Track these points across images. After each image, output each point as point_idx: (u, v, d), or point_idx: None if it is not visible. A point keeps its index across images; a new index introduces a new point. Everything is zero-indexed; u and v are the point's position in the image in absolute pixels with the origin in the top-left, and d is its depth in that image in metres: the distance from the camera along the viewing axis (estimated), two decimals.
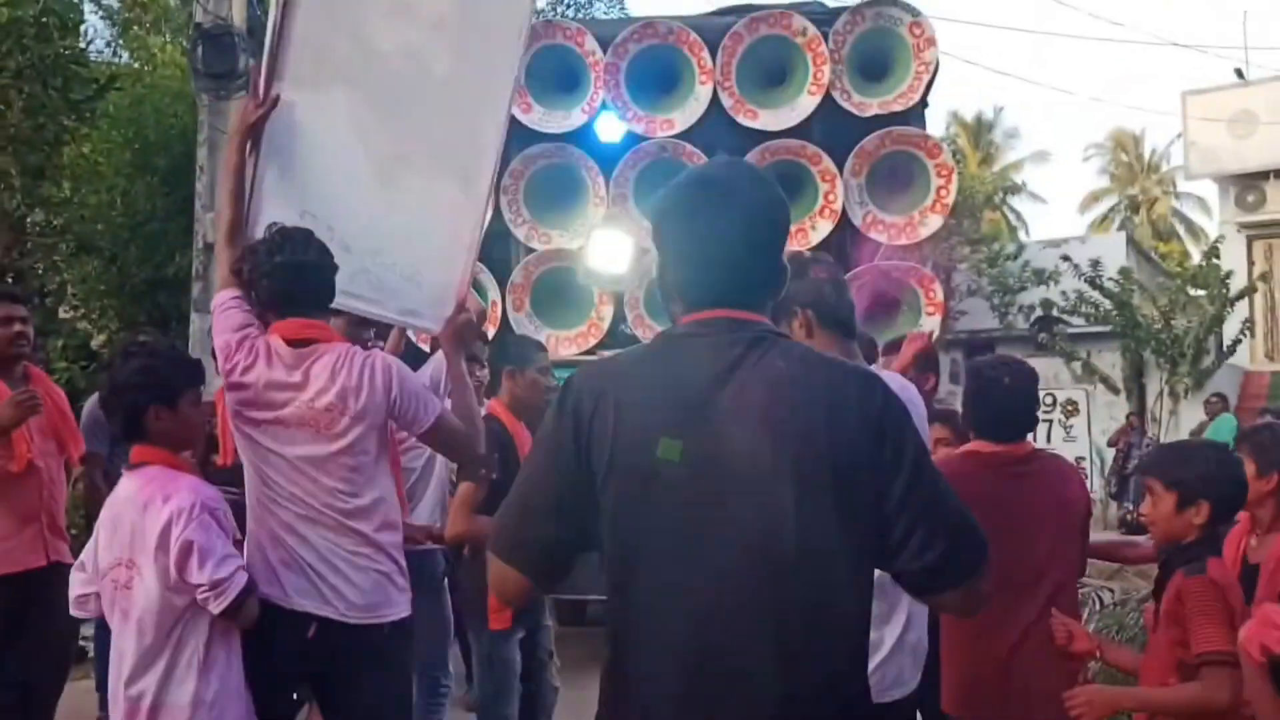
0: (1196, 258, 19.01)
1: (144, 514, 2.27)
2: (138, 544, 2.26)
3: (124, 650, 2.29)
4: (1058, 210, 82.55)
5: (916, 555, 1.42)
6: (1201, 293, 14.71)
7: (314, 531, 2.39)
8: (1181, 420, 13.78)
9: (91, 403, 4.86)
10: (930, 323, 6.55)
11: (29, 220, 8.35)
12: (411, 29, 2.65)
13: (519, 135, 6.72)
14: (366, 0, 2.63)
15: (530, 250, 6.72)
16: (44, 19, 7.76)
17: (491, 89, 2.77)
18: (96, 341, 8.51)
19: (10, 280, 7.77)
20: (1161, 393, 14.13)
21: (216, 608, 2.21)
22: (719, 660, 1.38)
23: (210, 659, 2.27)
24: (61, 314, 8.78)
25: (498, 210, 6.64)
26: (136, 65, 9.96)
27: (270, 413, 2.40)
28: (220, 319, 2.51)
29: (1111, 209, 32.57)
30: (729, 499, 1.39)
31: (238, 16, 6.71)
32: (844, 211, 6.51)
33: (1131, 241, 19.61)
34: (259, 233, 2.56)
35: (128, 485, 2.38)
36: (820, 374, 1.48)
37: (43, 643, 3.59)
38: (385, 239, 2.71)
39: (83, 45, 8.63)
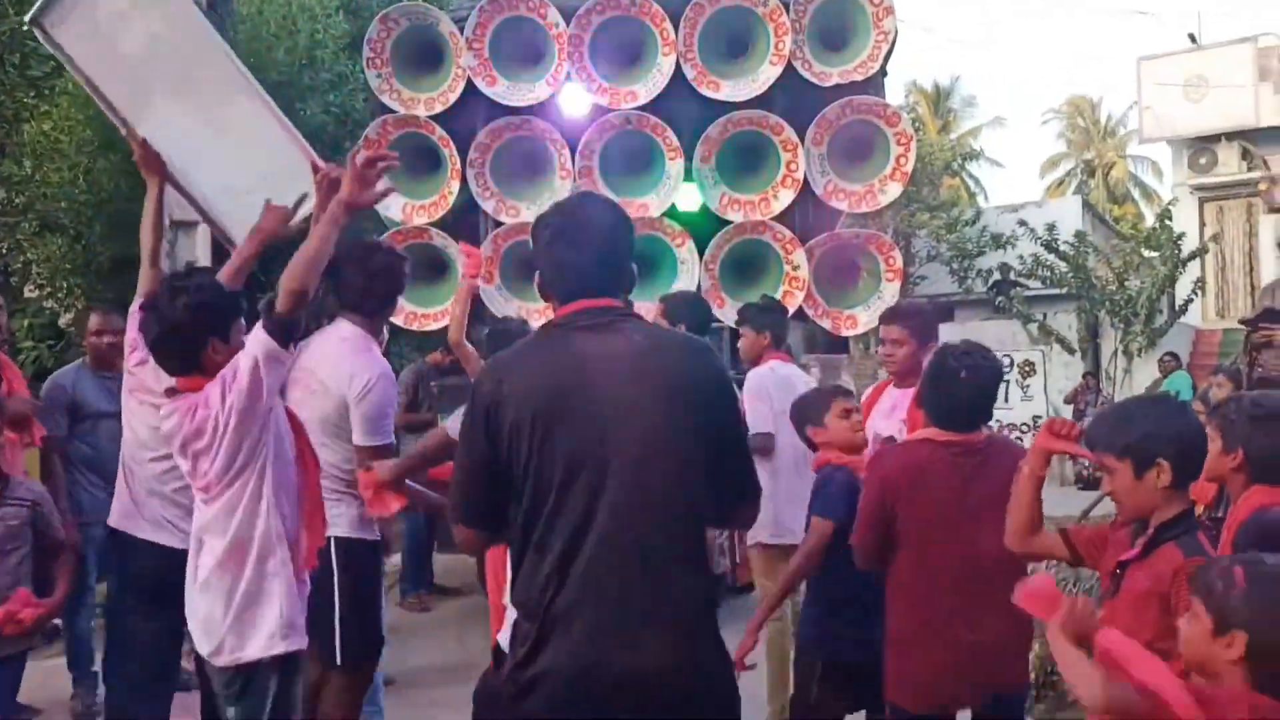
0: (1150, 220, 19.36)
1: (194, 425, 2.49)
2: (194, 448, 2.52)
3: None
4: (1016, 175, 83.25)
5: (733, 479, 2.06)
6: (1154, 254, 15.04)
7: None
8: (1135, 378, 14.16)
9: (50, 382, 4.87)
10: (890, 289, 6.72)
11: None
12: (144, 22, 3.15)
13: (485, 108, 6.78)
14: (101, 21, 3.14)
15: (498, 224, 6.79)
16: None
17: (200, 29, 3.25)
18: (64, 320, 8.46)
19: None
20: (1116, 352, 14.50)
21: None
22: (629, 550, 1.89)
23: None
24: (27, 293, 8.70)
25: (464, 184, 6.71)
26: None
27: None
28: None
29: (1068, 173, 33.00)
30: (608, 431, 1.90)
31: None
32: (805, 180, 6.63)
33: (1087, 205, 19.95)
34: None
35: (174, 408, 2.49)
36: (671, 338, 2.29)
37: None
38: (241, 175, 3.26)
39: None
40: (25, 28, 7.95)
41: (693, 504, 1.95)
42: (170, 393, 2.50)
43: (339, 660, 3.05)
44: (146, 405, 3.16)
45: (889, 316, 4.09)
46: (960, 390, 2.71)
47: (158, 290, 2.52)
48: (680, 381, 1.97)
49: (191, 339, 2.43)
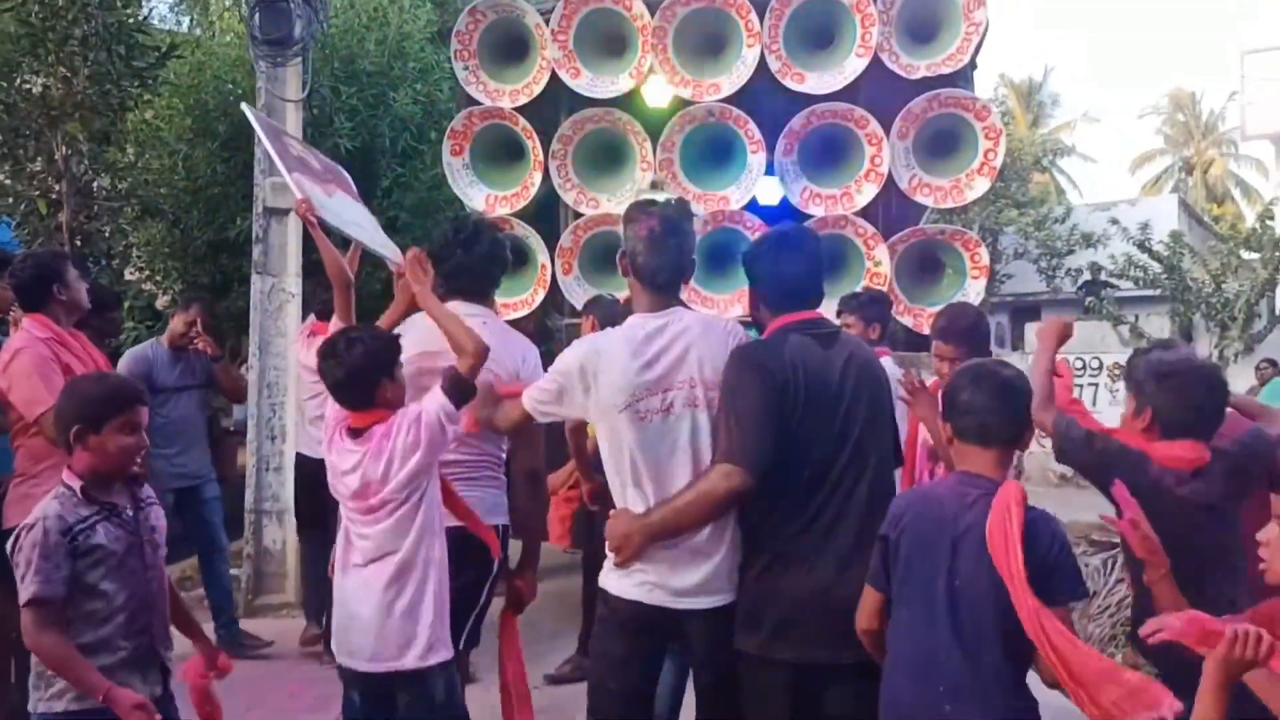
0: (1251, 220, 18.60)
1: (377, 460, 2.81)
2: (375, 478, 2.82)
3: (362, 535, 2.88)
4: (1109, 172, 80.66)
5: None
6: (1254, 256, 14.44)
7: None
8: (1232, 385, 13.59)
9: (130, 357, 5.34)
10: (975, 286, 6.59)
11: (95, 185, 8.63)
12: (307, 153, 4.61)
13: (568, 101, 6.83)
14: (292, 144, 4.59)
15: (578, 215, 6.83)
16: None
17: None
18: (161, 302, 8.80)
19: (78, 243, 8.07)
20: (1210, 356, 13.97)
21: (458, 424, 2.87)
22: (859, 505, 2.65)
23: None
24: (127, 275, 9.08)
25: (546, 175, 6.77)
26: (197, 33, 10.18)
27: None
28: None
29: (1164, 171, 31.86)
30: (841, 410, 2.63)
31: None
32: (890, 175, 6.53)
33: (1183, 204, 19.25)
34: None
35: (358, 447, 2.87)
36: (861, 347, 2.84)
37: None
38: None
39: (145, 13, 8.84)
40: (131, 20, 8.30)
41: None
42: (354, 434, 2.89)
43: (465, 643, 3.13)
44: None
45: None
46: (967, 407, 2.44)
47: (335, 340, 2.91)
48: (876, 381, 2.69)
49: (367, 379, 2.85)
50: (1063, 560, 2.19)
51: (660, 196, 6.46)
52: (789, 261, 2.73)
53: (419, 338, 3.18)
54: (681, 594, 2.60)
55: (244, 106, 4.77)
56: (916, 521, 2.30)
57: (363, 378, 2.85)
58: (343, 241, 3.98)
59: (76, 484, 2.56)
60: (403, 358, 3.12)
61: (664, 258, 2.73)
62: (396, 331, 3.25)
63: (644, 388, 2.63)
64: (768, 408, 2.50)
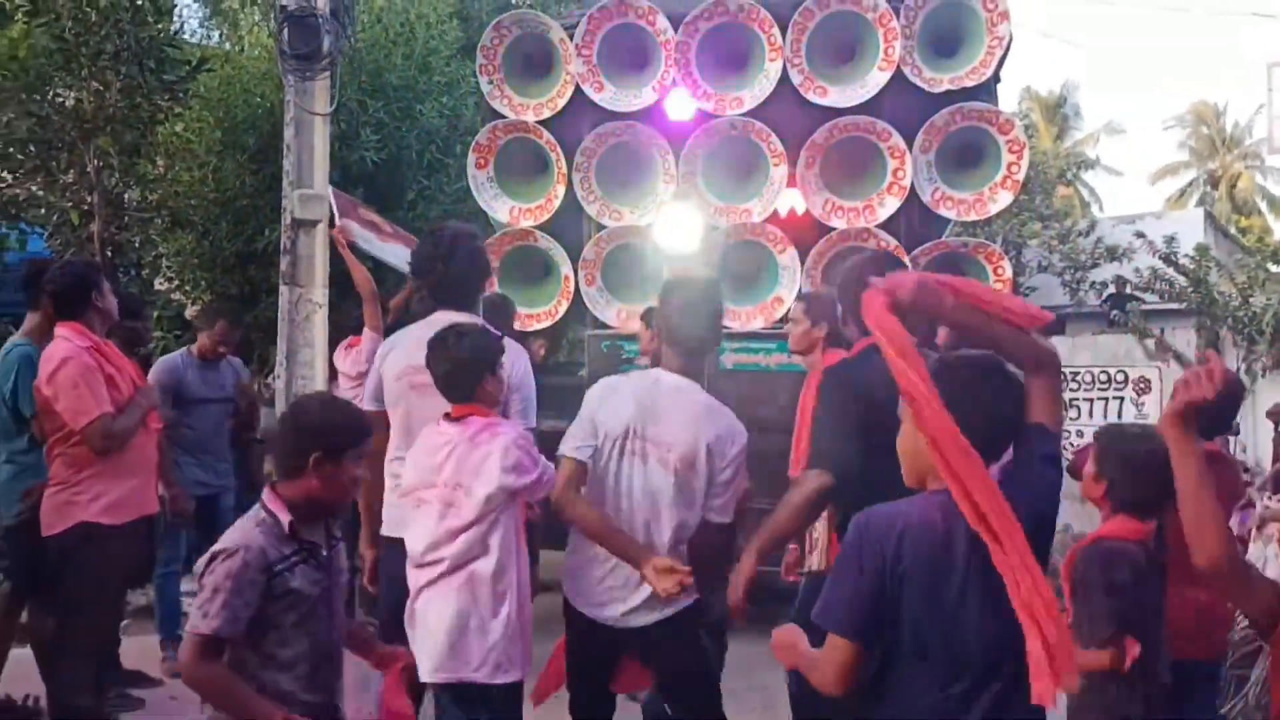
0: (1279, 233, 18.42)
1: (472, 448, 2.87)
2: (466, 470, 2.86)
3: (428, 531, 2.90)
4: (1134, 184, 79.99)
5: None
6: None
7: None
8: (1259, 399, 13.49)
9: (160, 367, 5.42)
10: None
11: (126, 197, 8.76)
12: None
13: (591, 114, 6.89)
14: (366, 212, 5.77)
15: (601, 227, 6.88)
16: (139, 2, 8.12)
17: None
18: (190, 312, 8.91)
19: (109, 254, 8.19)
20: (1238, 371, 13.83)
21: (542, 492, 2.94)
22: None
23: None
24: (157, 285, 9.20)
25: (569, 188, 6.83)
26: (226, 47, 10.32)
27: None
28: None
29: (1190, 184, 31.63)
30: None
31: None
32: (912, 188, 6.54)
33: (1209, 217, 19.10)
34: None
35: (453, 429, 2.93)
36: None
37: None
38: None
39: (175, 27, 8.98)
40: (162, 35, 8.44)
41: None
42: (447, 417, 2.97)
43: None
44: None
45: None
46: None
47: (445, 333, 3.01)
48: None
49: (472, 372, 2.95)
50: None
51: (685, 206, 6.52)
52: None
53: (408, 350, 3.27)
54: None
55: (330, 188, 5.72)
56: (917, 548, 1.96)
57: (468, 370, 2.93)
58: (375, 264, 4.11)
59: (285, 517, 2.36)
60: (393, 371, 3.26)
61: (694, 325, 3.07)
62: (389, 344, 3.42)
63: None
64: (848, 417, 2.81)
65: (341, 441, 2.40)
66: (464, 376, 2.94)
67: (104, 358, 3.79)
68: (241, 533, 2.34)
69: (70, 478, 3.74)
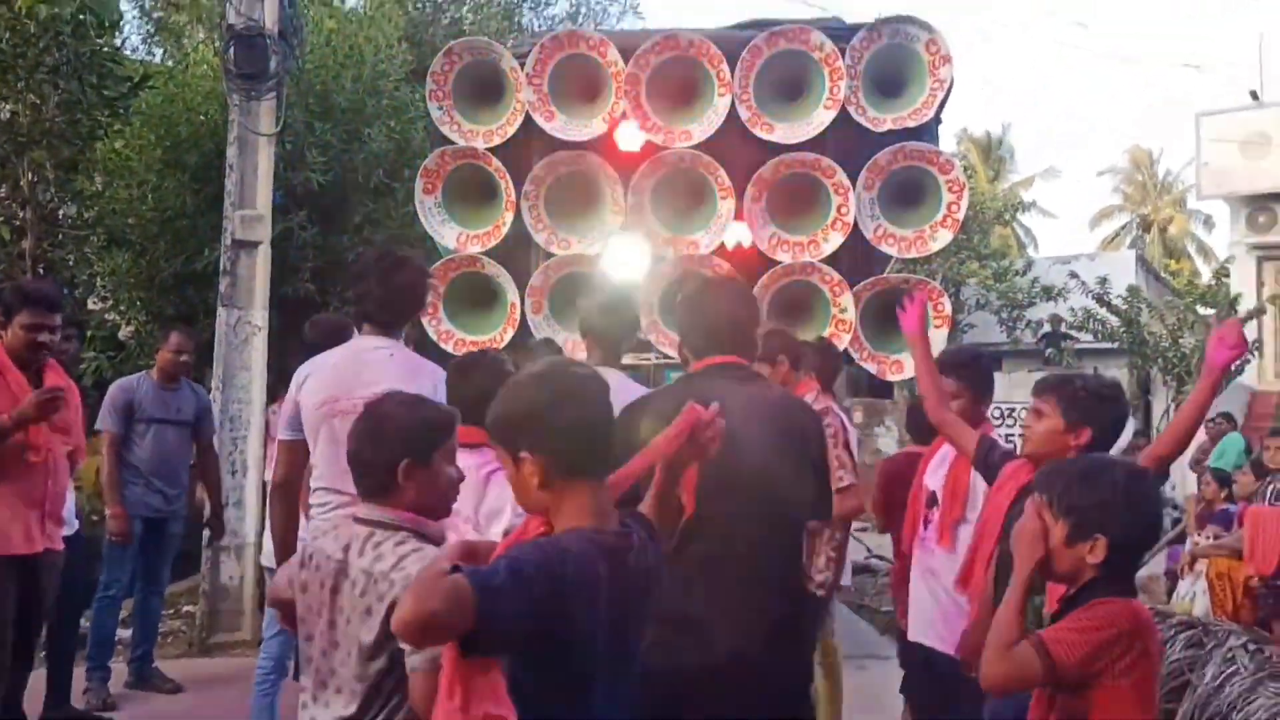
0: (1207, 276, 19.06)
1: (486, 484, 2.76)
2: (483, 512, 2.74)
3: None
4: (1069, 227, 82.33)
5: None
6: (1210, 312, 14.79)
7: None
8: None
9: (115, 386, 5.26)
10: (938, 335, 6.69)
11: (61, 213, 8.56)
12: None
13: (541, 142, 6.90)
14: None
15: (549, 255, 6.87)
16: (81, 16, 7.97)
17: None
18: (124, 333, 8.70)
19: (41, 271, 7.97)
20: (1168, 410, 14.23)
21: None
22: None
23: None
24: (91, 305, 8.98)
25: (518, 215, 6.82)
26: (170, 64, 10.17)
27: None
28: None
29: (1122, 227, 32.63)
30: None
31: (269, 19, 6.91)
32: (856, 224, 6.65)
33: (1141, 260, 19.71)
34: None
35: (468, 458, 2.79)
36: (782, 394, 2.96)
37: (25, 622, 3.77)
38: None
39: (118, 43, 8.84)
40: (105, 49, 8.30)
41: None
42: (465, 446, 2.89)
43: None
44: None
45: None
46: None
47: (465, 361, 3.05)
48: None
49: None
50: None
51: (633, 236, 6.55)
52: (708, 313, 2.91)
53: (325, 379, 3.19)
54: None
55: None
56: None
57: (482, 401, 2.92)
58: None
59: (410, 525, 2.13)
60: (312, 400, 3.14)
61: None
62: (303, 371, 3.25)
63: None
64: None
65: (426, 439, 2.18)
66: (476, 408, 2.92)
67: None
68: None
69: None
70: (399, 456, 2.12)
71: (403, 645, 1.94)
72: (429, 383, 3.12)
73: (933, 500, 3.66)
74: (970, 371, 3.71)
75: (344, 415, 3.06)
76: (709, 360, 2.63)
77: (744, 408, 2.35)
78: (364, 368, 3.19)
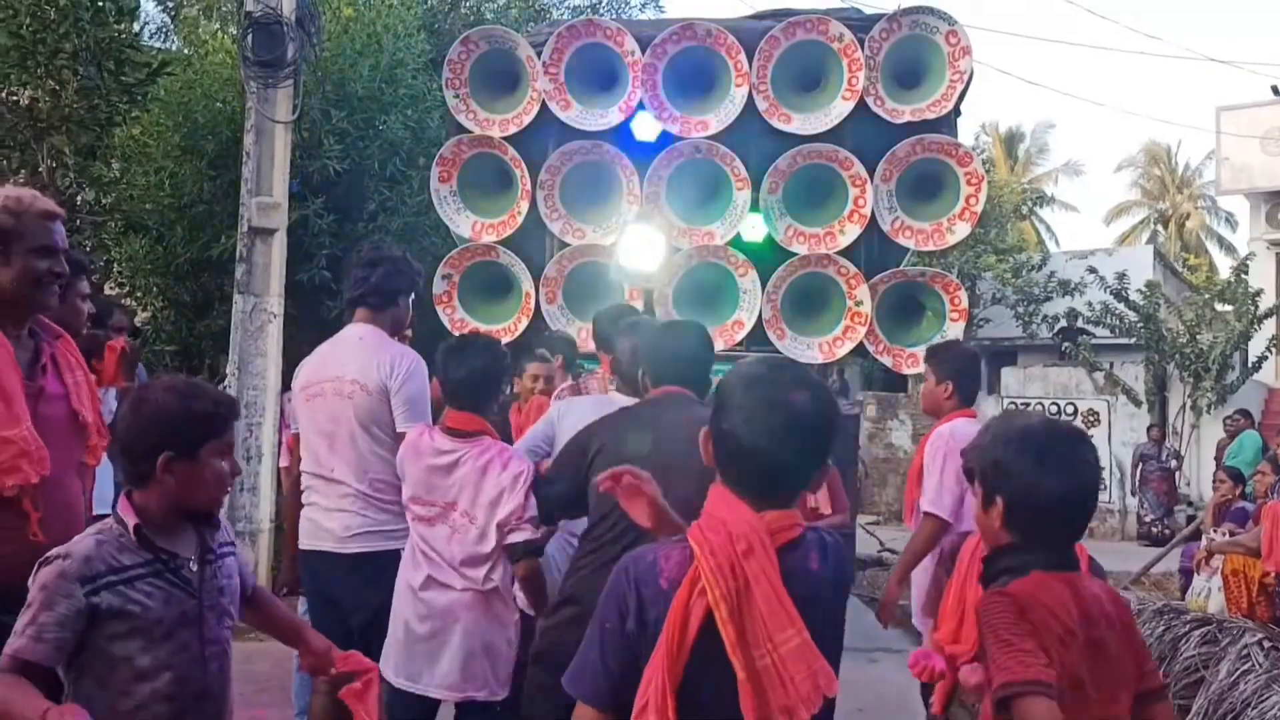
0: (1225, 272, 18.90)
1: (484, 475, 2.82)
2: (480, 503, 2.83)
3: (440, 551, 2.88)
4: (1088, 221, 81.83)
5: None
6: (1229, 308, 14.67)
7: None
8: (1204, 434, 13.79)
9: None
10: (954, 329, 6.66)
11: (79, 199, 8.58)
12: None
13: (557, 132, 6.89)
14: None
15: (564, 245, 6.87)
16: (100, 3, 7.98)
17: None
18: (140, 318, 8.74)
19: None
20: (1184, 406, 14.14)
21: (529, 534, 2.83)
22: None
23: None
24: (108, 291, 9.01)
25: (533, 205, 6.82)
26: (188, 51, 10.19)
27: None
28: None
29: (1141, 222, 32.38)
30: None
31: (286, 7, 6.91)
32: (873, 216, 6.62)
33: (1159, 255, 19.56)
34: None
35: (460, 447, 2.88)
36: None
37: None
38: None
39: (137, 30, 8.85)
40: (124, 36, 8.31)
41: None
42: (445, 429, 2.93)
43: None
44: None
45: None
46: None
47: (457, 342, 3.06)
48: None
49: (495, 383, 3.01)
50: None
51: (648, 226, 6.53)
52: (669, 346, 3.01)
53: (307, 367, 3.36)
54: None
55: None
56: None
57: (490, 380, 2.98)
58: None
59: (131, 520, 1.93)
60: (296, 389, 3.30)
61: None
62: (299, 367, 3.41)
63: None
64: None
65: (194, 432, 1.95)
66: (482, 388, 2.95)
67: None
68: (75, 541, 1.92)
69: None
70: (159, 448, 1.93)
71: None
72: (386, 359, 3.19)
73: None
74: (945, 359, 3.72)
75: (315, 399, 3.22)
76: (665, 389, 2.74)
77: (685, 427, 2.30)
78: (335, 351, 3.31)
